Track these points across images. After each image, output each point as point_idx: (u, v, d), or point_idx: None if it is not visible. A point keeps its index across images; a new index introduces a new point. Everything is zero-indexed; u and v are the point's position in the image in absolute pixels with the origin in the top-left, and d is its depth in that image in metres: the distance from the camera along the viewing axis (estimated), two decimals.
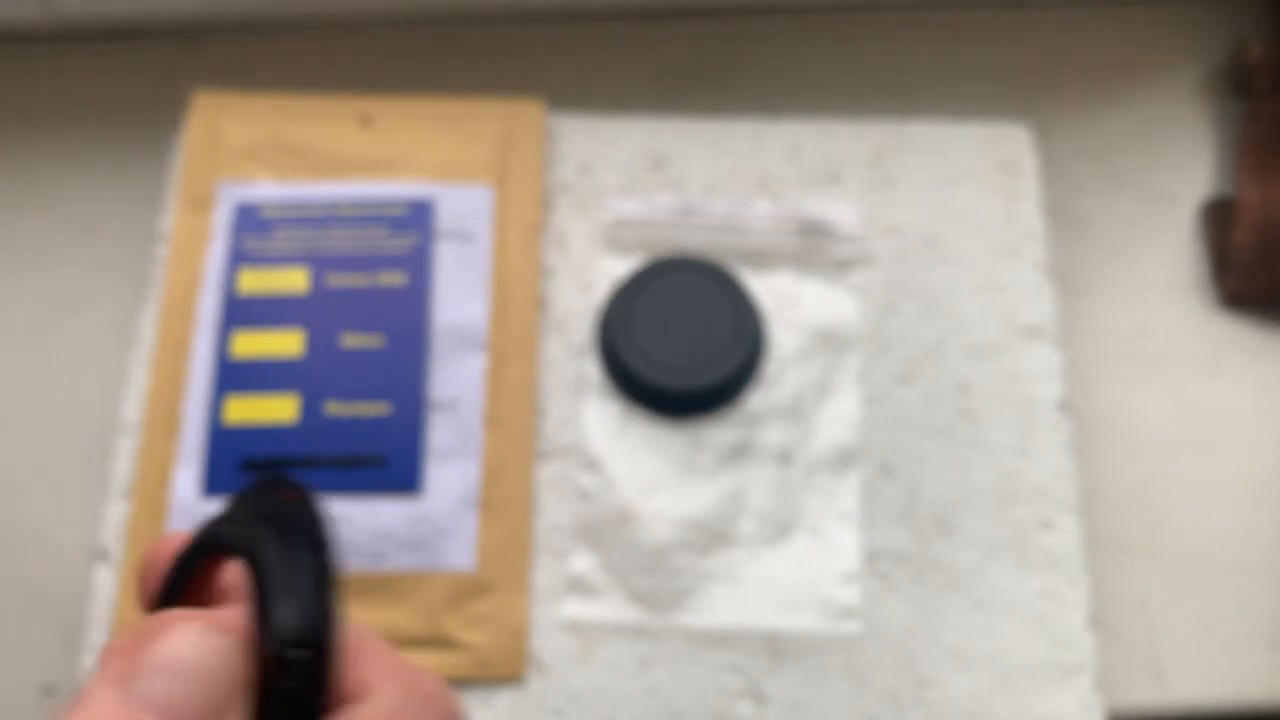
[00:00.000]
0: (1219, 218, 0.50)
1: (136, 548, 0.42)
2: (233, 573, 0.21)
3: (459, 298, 0.46)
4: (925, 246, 0.48)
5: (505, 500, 0.43)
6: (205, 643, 0.17)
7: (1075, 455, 0.44)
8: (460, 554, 0.42)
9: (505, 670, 0.41)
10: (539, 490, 0.44)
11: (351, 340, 0.44)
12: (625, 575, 0.42)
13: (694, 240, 0.48)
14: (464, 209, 0.47)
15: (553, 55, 0.54)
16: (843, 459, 0.44)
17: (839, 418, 0.45)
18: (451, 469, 0.43)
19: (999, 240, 0.48)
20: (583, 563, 0.43)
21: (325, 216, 0.47)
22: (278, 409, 0.43)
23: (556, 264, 0.48)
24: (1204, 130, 0.52)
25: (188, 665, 0.17)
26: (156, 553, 0.21)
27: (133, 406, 0.45)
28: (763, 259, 0.47)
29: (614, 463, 0.44)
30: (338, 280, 0.46)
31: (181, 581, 0.20)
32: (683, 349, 0.44)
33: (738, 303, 0.45)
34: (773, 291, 0.47)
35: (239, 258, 0.46)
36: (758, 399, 0.45)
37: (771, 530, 0.43)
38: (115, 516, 0.43)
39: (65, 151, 0.52)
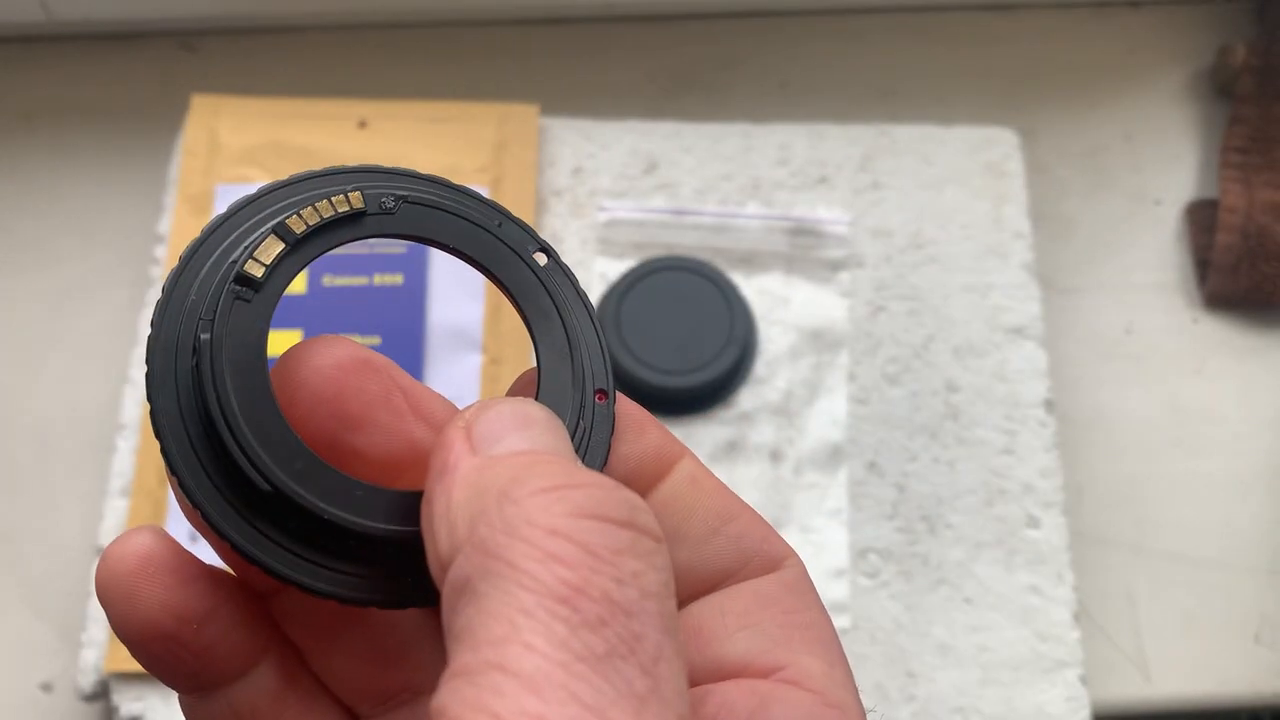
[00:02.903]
0: (1203, 219, 0.50)
1: None
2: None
3: (455, 298, 0.46)
4: (913, 248, 0.49)
5: None
6: (530, 406, 0.18)
7: (1061, 453, 0.45)
8: None
9: None
10: None
11: None
12: None
13: (686, 241, 0.48)
14: None
15: (546, 59, 0.55)
16: (832, 457, 0.45)
17: (828, 416, 0.45)
18: None
19: (986, 242, 0.49)
20: None
21: None
22: None
23: None
24: (1188, 133, 0.53)
25: (530, 418, 0.18)
26: None
27: (132, 406, 0.45)
28: (753, 260, 0.48)
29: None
30: (335, 280, 0.46)
31: None
32: (674, 349, 0.45)
33: (729, 303, 0.46)
34: (763, 292, 0.47)
35: None
36: (749, 398, 0.46)
37: None
38: (115, 515, 0.43)
39: (65, 153, 0.52)
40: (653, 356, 0.45)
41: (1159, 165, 0.52)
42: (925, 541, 0.44)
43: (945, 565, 0.43)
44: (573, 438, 0.19)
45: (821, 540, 0.44)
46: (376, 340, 0.45)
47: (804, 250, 0.48)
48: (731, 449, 0.45)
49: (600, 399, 0.20)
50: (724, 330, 0.45)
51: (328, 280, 0.46)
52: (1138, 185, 0.52)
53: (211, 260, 0.19)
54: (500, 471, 0.17)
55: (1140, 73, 0.54)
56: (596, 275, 0.48)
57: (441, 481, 0.17)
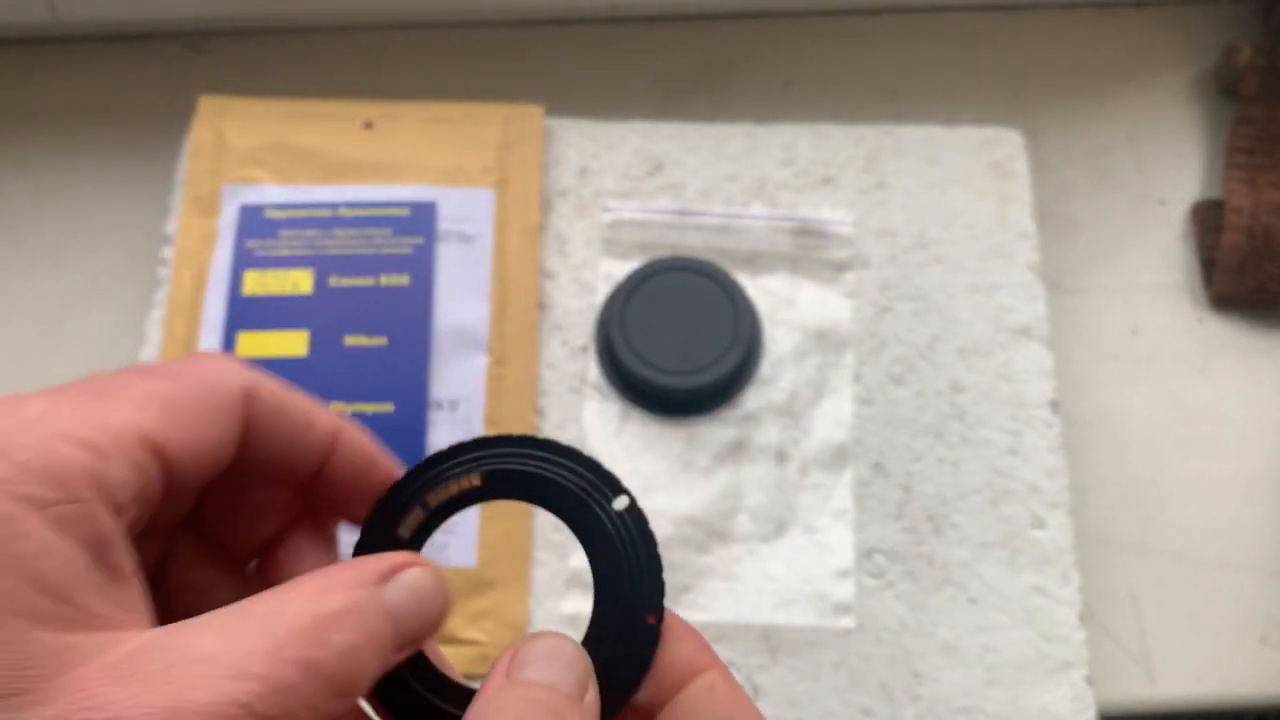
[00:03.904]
0: (1208, 220, 0.50)
1: None
2: None
3: (460, 299, 0.46)
4: (918, 248, 0.49)
5: None
6: (562, 642, 0.23)
7: (1066, 453, 0.45)
8: (462, 551, 0.43)
9: None
10: None
11: (355, 341, 0.45)
12: None
13: (690, 242, 0.48)
14: (465, 211, 0.48)
15: (551, 60, 0.55)
16: (837, 457, 0.45)
17: (834, 417, 0.45)
18: None
19: (991, 242, 0.49)
20: (582, 559, 0.43)
21: (329, 219, 0.47)
22: None
23: (556, 266, 0.48)
24: (1193, 133, 0.53)
25: (556, 651, 0.23)
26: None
27: None
28: (758, 261, 0.48)
29: (612, 462, 0.44)
30: (341, 281, 0.46)
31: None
32: (680, 349, 0.45)
33: (734, 303, 0.46)
34: (768, 292, 0.47)
35: (244, 259, 0.47)
36: (754, 398, 0.46)
37: (768, 528, 0.44)
38: None
39: (72, 154, 0.53)
40: (658, 357, 0.45)
41: (1164, 165, 0.52)
42: (930, 542, 0.44)
43: (950, 566, 0.43)
44: (614, 656, 0.24)
45: (826, 541, 0.44)
46: (383, 341, 0.45)
47: (809, 251, 0.48)
48: (737, 450, 0.45)
49: (650, 619, 0.25)
50: (729, 331, 0.45)
51: (334, 281, 0.46)
52: (1143, 185, 0.52)
53: (385, 511, 0.25)
54: (512, 695, 0.21)
55: (1145, 73, 0.54)
56: (602, 276, 0.48)
57: (480, 690, 0.22)
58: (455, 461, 0.25)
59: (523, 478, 0.25)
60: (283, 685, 0.18)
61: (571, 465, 0.26)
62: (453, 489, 0.25)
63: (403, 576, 0.22)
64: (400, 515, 0.25)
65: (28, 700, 0.17)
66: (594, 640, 0.24)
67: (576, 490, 0.25)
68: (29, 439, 0.18)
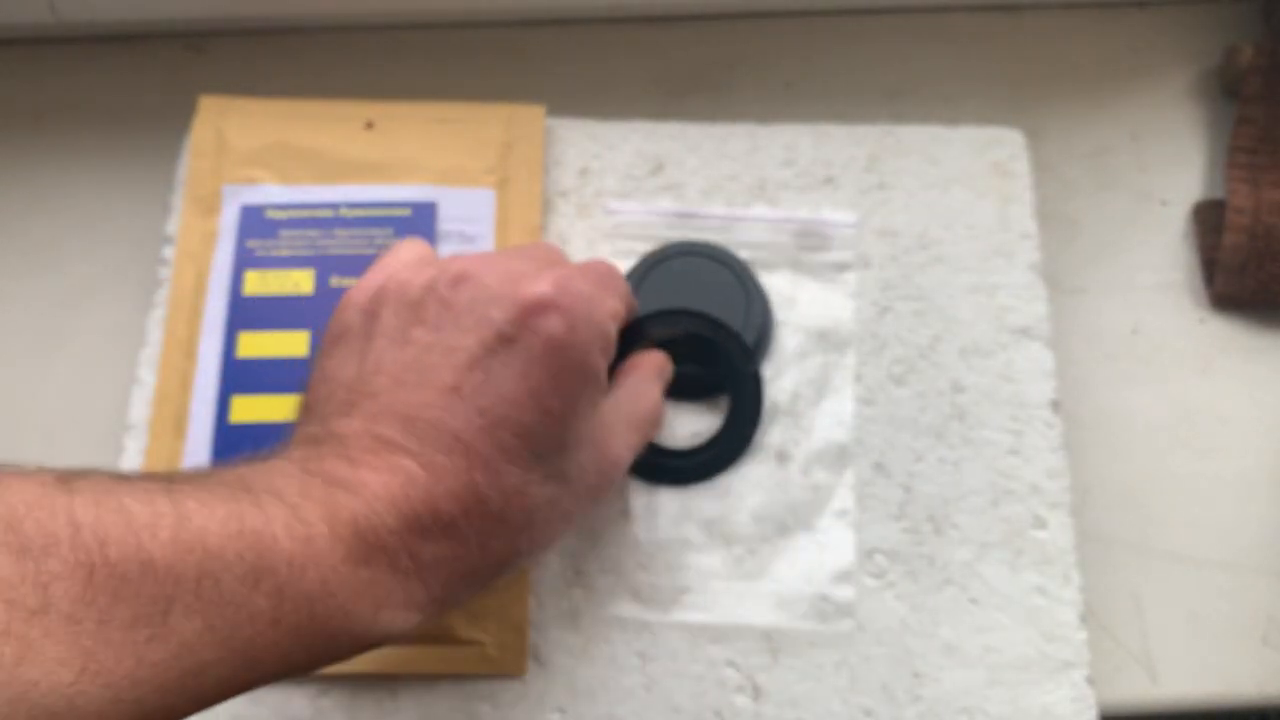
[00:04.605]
0: (1210, 219, 0.50)
1: None
2: None
3: None
4: (920, 248, 0.49)
5: None
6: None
7: (1067, 454, 0.45)
8: None
9: (508, 667, 0.42)
10: None
11: None
12: (625, 572, 0.43)
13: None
14: (466, 212, 0.48)
15: (553, 60, 0.55)
16: (839, 457, 0.45)
17: (835, 417, 0.45)
18: None
19: (992, 242, 0.49)
20: (583, 559, 0.43)
21: (330, 219, 0.47)
22: (284, 409, 0.44)
23: None
24: (1195, 133, 0.53)
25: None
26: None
27: (141, 406, 0.45)
28: (760, 261, 0.48)
29: None
30: (343, 281, 0.46)
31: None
32: None
33: (745, 289, 0.46)
34: (770, 292, 0.47)
35: (245, 259, 0.47)
36: None
37: (769, 528, 0.44)
38: None
39: (72, 154, 0.53)
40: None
41: (1165, 165, 0.52)
42: (931, 542, 0.44)
43: (951, 566, 0.43)
44: (737, 434, 0.44)
45: (827, 541, 0.44)
46: None
47: (810, 251, 0.48)
48: None
49: (751, 432, 0.45)
50: (740, 315, 0.45)
51: (335, 281, 0.46)
52: (1144, 185, 0.52)
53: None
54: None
55: (1147, 73, 0.54)
56: None
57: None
58: (673, 316, 0.43)
59: (701, 341, 0.43)
60: (644, 443, 0.39)
61: (729, 337, 0.44)
62: (666, 333, 0.43)
63: (667, 368, 0.42)
64: (638, 338, 0.41)
65: (589, 441, 0.35)
66: (728, 427, 0.44)
67: (734, 355, 0.44)
68: (596, 315, 0.35)
